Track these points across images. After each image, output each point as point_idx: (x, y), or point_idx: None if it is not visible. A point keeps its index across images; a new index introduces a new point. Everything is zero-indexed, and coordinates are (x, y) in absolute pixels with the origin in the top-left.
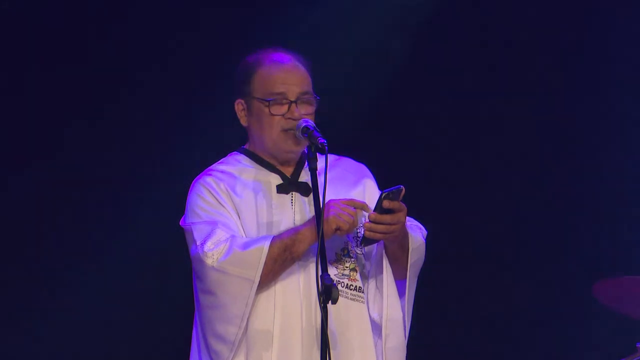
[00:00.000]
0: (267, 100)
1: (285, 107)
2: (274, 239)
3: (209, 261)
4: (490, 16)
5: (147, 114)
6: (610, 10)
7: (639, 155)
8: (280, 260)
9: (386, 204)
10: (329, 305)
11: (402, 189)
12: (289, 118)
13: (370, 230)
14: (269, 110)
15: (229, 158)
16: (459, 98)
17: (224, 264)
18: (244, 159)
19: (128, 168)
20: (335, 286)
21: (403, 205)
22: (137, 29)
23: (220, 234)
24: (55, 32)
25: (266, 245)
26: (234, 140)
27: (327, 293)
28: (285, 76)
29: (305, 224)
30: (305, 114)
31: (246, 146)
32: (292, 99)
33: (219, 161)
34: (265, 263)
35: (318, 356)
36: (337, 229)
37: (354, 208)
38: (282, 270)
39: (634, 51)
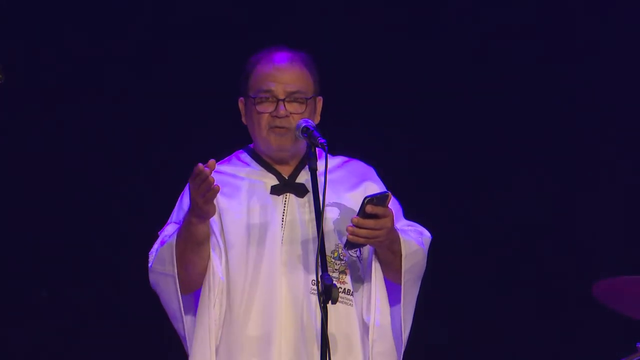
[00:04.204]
0: (253, 98)
1: (273, 105)
2: (178, 231)
3: (148, 263)
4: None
5: (148, 112)
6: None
7: (639, 153)
8: (189, 250)
9: (369, 209)
10: (316, 307)
11: (388, 195)
12: (275, 116)
13: (353, 233)
14: (256, 108)
15: (233, 157)
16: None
17: (154, 264)
18: (246, 157)
19: (130, 167)
20: (335, 286)
21: (389, 211)
22: (138, 25)
23: (163, 236)
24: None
25: (173, 240)
26: (239, 138)
27: (327, 293)
28: (276, 74)
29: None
30: (294, 112)
31: (252, 145)
32: (281, 97)
33: (222, 160)
34: (176, 257)
35: (301, 358)
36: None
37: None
38: (200, 257)
39: None
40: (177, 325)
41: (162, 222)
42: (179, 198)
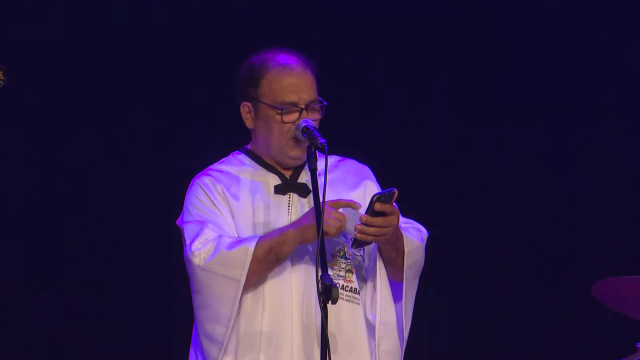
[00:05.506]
0: (279, 109)
1: (296, 114)
2: (260, 239)
3: (196, 260)
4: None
5: (148, 113)
6: None
7: (639, 153)
8: (265, 261)
9: (378, 206)
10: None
11: (394, 192)
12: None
13: (362, 232)
14: (281, 119)
15: (230, 157)
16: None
17: (210, 263)
18: (245, 158)
19: (130, 167)
20: (335, 286)
21: (395, 208)
22: (139, 27)
23: (208, 234)
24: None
25: (252, 245)
26: (236, 139)
27: (327, 293)
28: (296, 83)
29: (290, 226)
30: (313, 120)
31: (249, 146)
32: (303, 107)
33: (220, 160)
34: (251, 263)
35: (311, 356)
36: (325, 233)
37: (346, 213)
38: (268, 270)
39: None
40: (212, 328)
41: (162, 221)
42: (191, 195)
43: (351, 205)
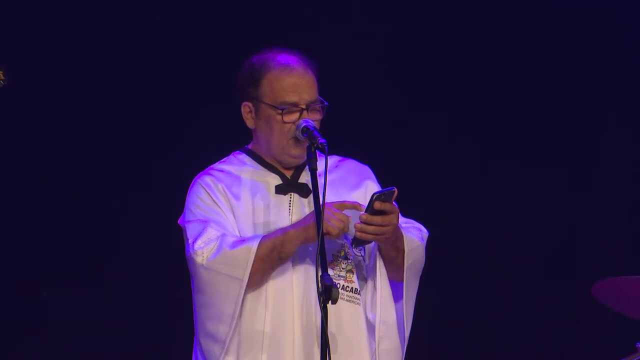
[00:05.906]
0: (280, 109)
1: (297, 114)
2: (263, 238)
3: (199, 259)
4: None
5: (148, 112)
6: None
7: (639, 153)
8: (268, 260)
9: (377, 205)
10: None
11: (394, 191)
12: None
13: (361, 231)
14: (282, 119)
15: (231, 157)
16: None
17: (213, 262)
18: (245, 158)
19: (130, 167)
20: (335, 286)
21: (395, 207)
22: (139, 27)
23: (211, 233)
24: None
25: (254, 244)
26: (236, 139)
27: (327, 293)
28: (297, 83)
29: (293, 225)
30: (316, 120)
31: (249, 146)
32: (304, 107)
33: (221, 160)
34: (254, 262)
35: (312, 356)
36: (327, 233)
37: (347, 213)
38: (271, 269)
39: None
40: (214, 328)
41: (162, 220)
42: (193, 195)
43: (356, 207)
